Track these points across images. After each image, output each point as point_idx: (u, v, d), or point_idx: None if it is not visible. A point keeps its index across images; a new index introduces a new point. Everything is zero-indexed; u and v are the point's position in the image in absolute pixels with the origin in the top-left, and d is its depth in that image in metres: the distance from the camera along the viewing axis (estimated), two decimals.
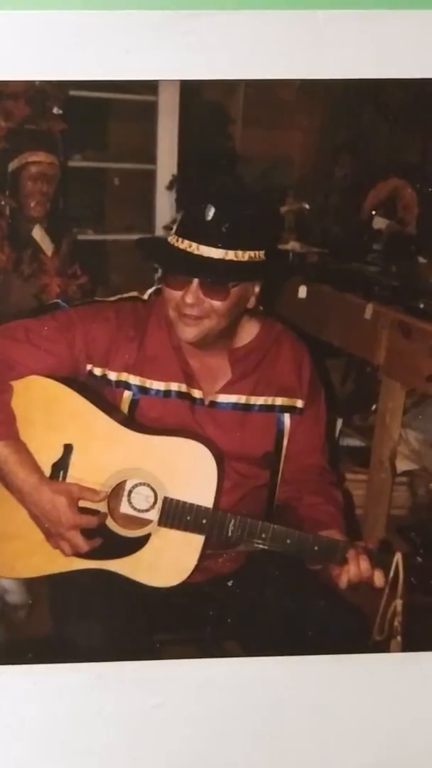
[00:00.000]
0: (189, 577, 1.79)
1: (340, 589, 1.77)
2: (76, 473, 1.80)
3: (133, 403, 1.86)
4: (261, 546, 1.79)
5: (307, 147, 3.31)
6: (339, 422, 2.66)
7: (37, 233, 2.68)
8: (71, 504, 1.77)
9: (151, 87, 3.04)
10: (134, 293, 1.95)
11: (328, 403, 2.00)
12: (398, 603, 1.73)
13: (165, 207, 3.16)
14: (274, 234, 2.87)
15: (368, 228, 3.04)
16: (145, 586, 1.79)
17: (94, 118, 3.04)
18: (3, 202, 2.65)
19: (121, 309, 1.90)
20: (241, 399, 1.89)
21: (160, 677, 1.74)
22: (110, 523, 1.80)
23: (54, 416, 1.81)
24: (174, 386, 1.87)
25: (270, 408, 1.91)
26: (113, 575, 1.79)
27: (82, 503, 1.79)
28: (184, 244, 1.78)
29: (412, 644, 1.76)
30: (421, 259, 2.85)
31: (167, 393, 1.87)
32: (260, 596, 1.90)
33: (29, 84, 2.54)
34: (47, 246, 2.69)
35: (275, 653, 1.77)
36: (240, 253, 1.78)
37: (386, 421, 2.71)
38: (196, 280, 1.76)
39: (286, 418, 1.92)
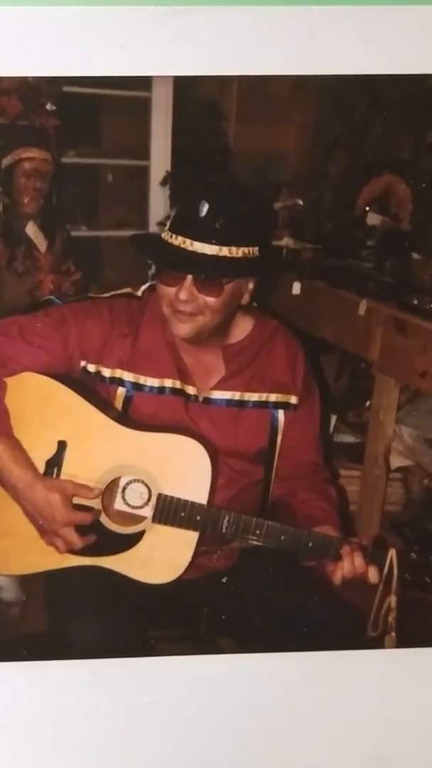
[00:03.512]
0: (183, 573, 1.79)
1: (334, 585, 1.77)
2: (70, 470, 1.80)
3: (127, 400, 1.86)
4: (255, 542, 1.79)
5: (301, 143, 3.31)
6: (333, 418, 2.66)
7: (31, 229, 2.68)
8: (65, 501, 1.76)
9: (144, 83, 3.04)
10: (128, 290, 1.94)
11: (322, 400, 2.00)
12: (392, 599, 1.74)
13: (159, 203, 3.16)
14: (268, 230, 2.87)
15: (362, 224, 3.04)
16: (140, 582, 1.79)
17: (87, 114, 3.03)
18: None
19: (114, 305, 1.89)
20: (235, 395, 1.89)
21: (155, 674, 1.74)
22: (104, 519, 1.80)
23: (48, 413, 1.81)
24: (168, 383, 1.87)
25: (264, 404, 1.91)
26: (107, 572, 1.79)
27: (76, 500, 1.78)
28: (178, 241, 1.78)
29: (406, 640, 1.77)
30: (415, 256, 2.85)
31: (161, 389, 1.86)
32: (254, 593, 1.90)
33: (22, 80, 2.54)
34: (41, 242, 2.69)
35: (270, 649, 1.77)
36: (234, 249, 1.77)
37: (380, 417, 2.72)
38: (189, 277, 1.76)
39: (280, 414, 1.92)
